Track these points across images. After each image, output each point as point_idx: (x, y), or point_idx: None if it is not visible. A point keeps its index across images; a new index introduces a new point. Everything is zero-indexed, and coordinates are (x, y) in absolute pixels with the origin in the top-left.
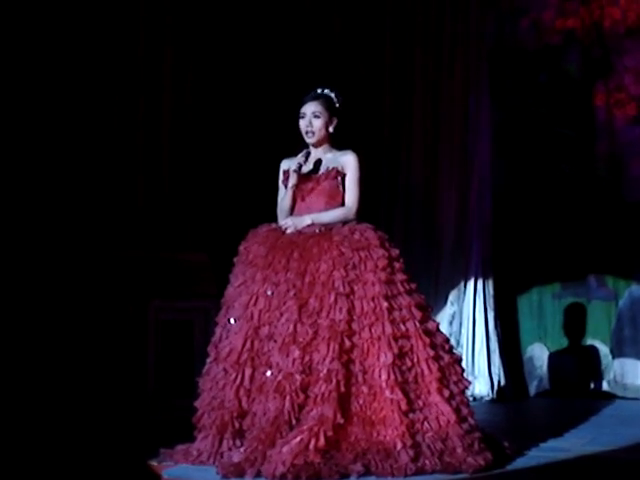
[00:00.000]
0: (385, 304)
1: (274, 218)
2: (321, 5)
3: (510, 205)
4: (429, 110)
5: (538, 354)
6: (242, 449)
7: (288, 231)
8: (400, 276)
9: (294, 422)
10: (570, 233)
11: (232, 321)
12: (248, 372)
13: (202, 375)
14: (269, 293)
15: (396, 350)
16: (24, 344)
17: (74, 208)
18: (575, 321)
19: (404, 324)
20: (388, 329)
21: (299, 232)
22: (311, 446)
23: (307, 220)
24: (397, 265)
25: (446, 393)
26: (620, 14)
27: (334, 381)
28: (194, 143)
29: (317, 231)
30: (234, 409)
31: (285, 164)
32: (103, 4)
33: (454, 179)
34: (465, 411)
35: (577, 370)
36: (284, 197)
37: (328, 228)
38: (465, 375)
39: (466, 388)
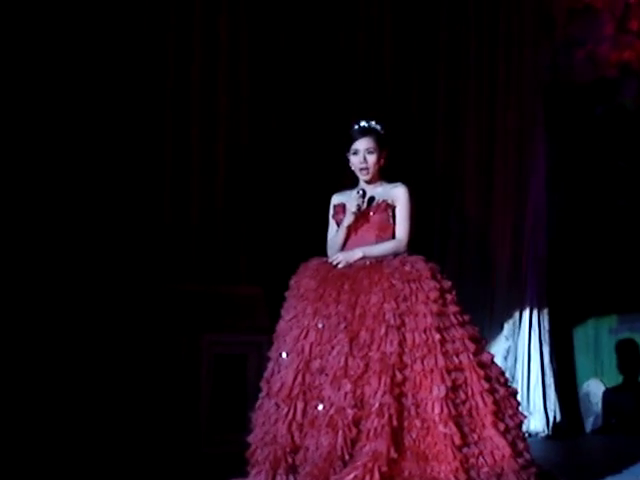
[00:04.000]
0: (437, 336)
1: (326, 252)
2: (372, 37)
3: (565, 238)
4: (483, 142)
5: (594, 390)
6: None
7: (340, 266)
8: (452, 308)
9: (347, 457)
10: (626, 266)
11: (284, 355)
12: (300, 406)
13: (255, 410)
14: (320, 326)
15: (449, 383)
16: (79, 375)
17: (129, 240)
18: (631, 357)
19: (457, 356)
20: (441, 361)
21: (350, 265)
22: None
23: (358, 253)
24: (449, 297)
25: (501, 427)
26: None
27: (386, 415)
28: (248, 175)
29: (368, 263)
30: (287, 444)
31: (336, 199)
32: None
33: (508, 212)
34: (521, 445)
35: (633, 407)
36: (337, 234)
37: (379, 260)
38: (520, 409)
39: (522, 422)
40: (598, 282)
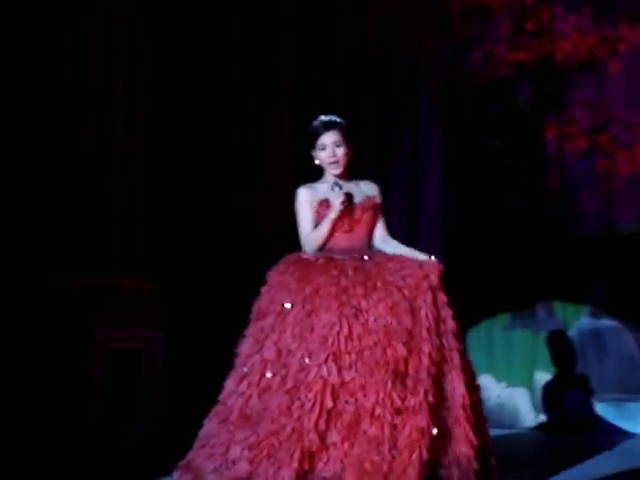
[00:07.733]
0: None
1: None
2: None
3: (460, 238)
4: (379, 141)
5: (487, 386)
6: None
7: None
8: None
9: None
10: (520, 265)
11: (307, 360)
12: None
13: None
14: (350, 321)
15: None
16: None
17: (19, 234)
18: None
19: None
20: (458, 361)
21: (376, 263)
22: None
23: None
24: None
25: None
26: (571, 48)
27: (422, 392)
28: (146, 170)
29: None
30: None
31: (312, 193)
32: None
33: (404, 211)
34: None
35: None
36: (320, 228)
37: (397, 259)
38: None
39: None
40: (492, 280)
